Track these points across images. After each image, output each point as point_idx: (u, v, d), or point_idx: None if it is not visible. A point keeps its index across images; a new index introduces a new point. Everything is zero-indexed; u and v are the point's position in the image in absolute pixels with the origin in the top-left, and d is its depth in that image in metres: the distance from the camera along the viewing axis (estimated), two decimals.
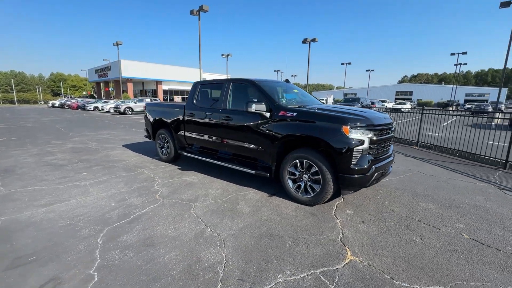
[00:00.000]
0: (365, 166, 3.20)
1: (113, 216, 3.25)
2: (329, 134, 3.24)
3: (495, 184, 4.58)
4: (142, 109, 24.21)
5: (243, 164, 4.35)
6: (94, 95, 62.28)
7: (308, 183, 3.56)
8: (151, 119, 6.18)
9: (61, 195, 3.93)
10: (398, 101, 38.89)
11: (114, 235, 2.80)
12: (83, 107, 31.20)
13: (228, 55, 36.88)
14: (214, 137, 4.74)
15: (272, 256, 2.43)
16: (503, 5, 17.03)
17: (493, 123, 11.88)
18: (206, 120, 4.82)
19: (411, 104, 36.38)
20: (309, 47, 27.89)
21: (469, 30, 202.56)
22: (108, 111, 27.41)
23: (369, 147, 3.27)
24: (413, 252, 2.53)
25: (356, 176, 3.18)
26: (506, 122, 12.32)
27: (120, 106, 22.93)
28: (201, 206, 3.56)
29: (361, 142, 3.17)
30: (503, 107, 33.76)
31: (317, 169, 3.39)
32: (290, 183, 3.74)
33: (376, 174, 3.33)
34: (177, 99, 48.03)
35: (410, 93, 62.47)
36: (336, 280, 2.11)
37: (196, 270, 2.23)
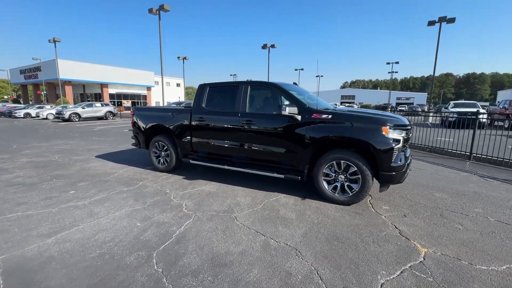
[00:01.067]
0: (402, 163, 3.43)
1: (151, 237, 2.80)
2: (370, 135, 3.39)
3: (474, 173, 5.41)
4: (92, 115, 21.57)
5: (267, 169, 4.23)
6: (19, 99, 52.91)
7: (346, 183, 3.64)
8: (143, 125, 5.54)
9: (62, 220, 3.22)
10: (347, 104, 42.89)
11: (170, 259, 2.41)
12: (8, 114, 26.11)
13: (184, 58, 35.51)
14: (231, 142, 4.49)
15: (356, 259, 2.41)
16: (430, 23, 20.38)
17: (428, 122, 14.05)
18: (221, 124, 4.55)
19: (357, 106, 40.56)
20: (269, 52, 28.74)
21: (398, 44, 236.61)
22: (46, 118, 23.59)
23: (403, 145, 3.52)
24: (465, 237, 2.80)
25: (395, 173, 3.39)
26: (438, 121, 14.88)
27: (64, 112, 19.94)
28: (243, 216, 3.33)
29: (398, 141, 3.40)
30: (425, 108, 40.23)
31: (356, 169, 3.50)
32: (325, 184, 3.77)
33: (408, 170, 3.60)
34: (127, 103, 44.14)
35: (353, 97, 69.68)
36: (429, 273, 2.21)
37: (296, 284, 2.07)
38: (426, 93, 71.60)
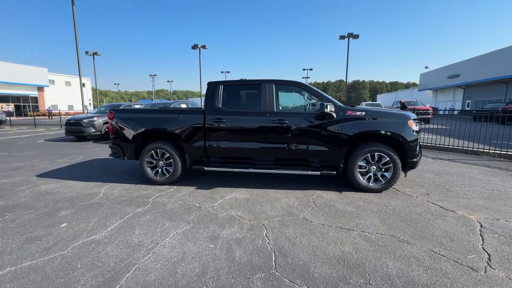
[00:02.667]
0: (420, 151, 4.11)
1: (247, 256, 2.40)
2: (401, 128, 3.90)
3: (426, 156, 6.90)
4: None
5: (300, 168, 4.23)
6: None
7: (378, 173, 4.06)
8: (132, 131, 4.54)
9: (101, 263, 2.35)
10: None
11: (299, 273, 2.15)
12: None
13: (95, 53, 30.16)
14: (257, 144, 4.25)
15: (442, 232, 2.77)
16: (341, 37, 24.39)
17: None
18: (246, 125, 4.24)
19: None
20: (200, 53, 27.87)
21: (314, 51, 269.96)
22: None
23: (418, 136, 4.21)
24: (480, 203, 3.62)
25: (417, 159, 4.02)
26: None
27: None
28: (312, 217, 3.25)
29: (418, 133, 4.05)
30: None
31: (388, 159, 3.96)
32: (359, 176, 4.09)
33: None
34: (8, 108, 34.10)
35: None
36: (499, 232, 2.78)
37: (431, 265, 2.22)
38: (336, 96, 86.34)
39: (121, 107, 11.38)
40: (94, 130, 10.24)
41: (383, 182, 4.05)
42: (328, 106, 3.86)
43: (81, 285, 2.04)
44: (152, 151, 4.53)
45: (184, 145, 4.42)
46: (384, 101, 55.92)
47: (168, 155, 4.49)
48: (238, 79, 4.63)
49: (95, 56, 30.46)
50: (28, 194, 4.18)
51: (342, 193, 4.08)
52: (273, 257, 2.39)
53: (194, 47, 27.23)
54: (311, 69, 46.94)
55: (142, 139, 4.64)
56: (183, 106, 11.49)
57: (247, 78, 4.53)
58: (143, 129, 4.49)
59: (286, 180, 4.76)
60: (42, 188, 4.51)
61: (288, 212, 3.39)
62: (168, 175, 4.55)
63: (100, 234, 2.85)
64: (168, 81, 61.65)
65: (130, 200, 3.89)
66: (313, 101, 4.30)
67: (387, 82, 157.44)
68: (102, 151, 8.27)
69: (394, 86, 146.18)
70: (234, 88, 4.50)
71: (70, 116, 12.08)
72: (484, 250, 2.46)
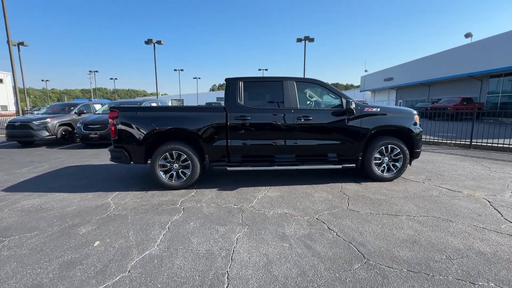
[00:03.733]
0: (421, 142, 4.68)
1: (351, 257, 2.42)
2: (409, 122, 4.39)
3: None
4: None
5: (321, 162, 4.38)
6: None
7: (391, 163, 4.48)
8: (143, 131, 4.05)
9: (183, 279, 2.08)
10: None
11: (431, 275, 2.28)
12: None
13: (21, 44, 25.34)
14: (282, 141, 4.24)
15: (470, 211, 3.24)
16: (298, 40, 25.70)
17: None
18: (271, 122, 4.19)
19: None
20: (154, 49, 25.97)
21: (271, 53, 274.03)
22: None
23: None
24: (471, 183, 4.32)
25: (420, 150, 4.58)
26: None
27: None
28: (359, 209, 3.42)
29: (420, 126, 4.60)
30: None
31: (399, 150, 4.41)
32: (375, 167, 4.45)
33: None
34: None
35: None
36: (502, 203, 3.38)
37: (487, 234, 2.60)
38: None
39: (121, 106, 9.96)
40: (47, 134, 8.67)
41: (395, 171, 4.49)
42: (352, 103, 4.10)
43: None
44: (167, 153, 4.12)
45: (204, 145, 4.14)
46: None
47: (185, 156, 4.14)
48: (252, 76, 4.53)
49: (20, 47, 25.61)
50: (13, 214, 3.36)
51: (362, 184, 4.39)
52: (354, 248, 2.46)
53: (148, 42, 25.20)
54: (266, 70, 48.30)
55: (154, 141, 4.18)
56: (154, 104, 10.66)
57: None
58: (156, 129, 4.04)
59: (302, 176, 4.87)
60: (25, 204, 3.68)
61: (330, 205, 3.50)
62: (185, 179, 4.20)
63: (154, 248, 2.50)
64: (111, 79, 55.63)
65: (154, 208, 3.48)
66: (347, 98, 4.45)
67: (330, 83, 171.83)
68: (69, 157, 7.09)
69: (336, 87, 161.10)
70: (254, 85, 4.40)
71: (13, 118, 9.98)
72: (506, 220, 2.98)
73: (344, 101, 4.25)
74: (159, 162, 4.13)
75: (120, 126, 4.07)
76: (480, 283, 1.94)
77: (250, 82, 4.35)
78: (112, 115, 4.08)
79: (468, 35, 26.78)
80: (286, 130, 4.22)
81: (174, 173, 4.21)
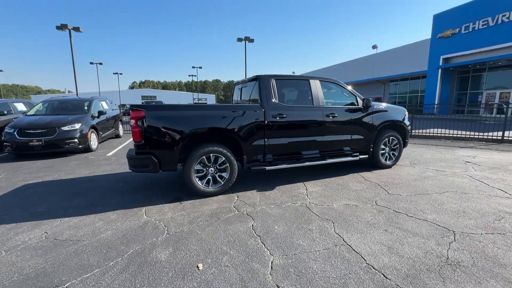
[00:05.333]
0: None
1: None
2: (403, 117, 5.24)
3: None
4: None
5: (342, 156, 4.77)
6: None
7: (391, 152, 5.26)
8: (178, 133, 3.51)
9: None
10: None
11: None
12: None
13: None
14: (313, 137, 4.41)
15: (479, 192, 4.19)
16: (239, 39, 25.97)
17: None
18: (306, 119, 4.29)
19: None
20: (70, 37, 21.59)
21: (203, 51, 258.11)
22: None
23: None
24: (463, 165, 5.53)
25: (408, 139, 5.54)
26: None
27: None
28: (401, 192, 3.92)
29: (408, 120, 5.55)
30: None
31: (397, 141, 5.23)
32: (381, 156, 5.14)
33: None
34: None
35: (154, 97, 68.90)
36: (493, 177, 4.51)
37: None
38: (214, 95, 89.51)
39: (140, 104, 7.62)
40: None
41: (394, 159, 5.30)
42: (371, 101, 4.63)
43: None
44: (204, 157, 3.69)
45: (244, 145, 3.90)
46: None
47: (223, 159, 3.81)
48: (281, 74, 4.53)
49: None
50: (25, 254, 2.42)
51: (373, 172, 5.00)
52: (437, 225, 2.88)
53: (62, 27, 20.61)
54: (200, 67, 46.74)
55: (188, 143, 3.67)
56: (104, 103, 9.11)
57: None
58: (192, 130, 3.56)
59: (317, 169, 5.15)
60: (27, 239, 2.70)
61: (373, 193, 3.88)
62: (222, 183, 3.86)
63: (276, 257, 2.29)
64: None
65: (215, 218, 3.11)
66: (360, 97, 4.88)
67: None
68: (11, 173, 5.32)
69: None
70: (284, 83, 4.39)
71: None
72: (495, 187, 4.01)
73: (359, 100, 4.76)
74: (194, 168, 3.67)
75: (147, 128, 3.40)
76: None
77: (281, 80, 4.33)
78: (136, 116, 3.37)
79: (374, 47, 32.92)
80: (317, 127, 4.41)
81: (211, 178, 3.82)
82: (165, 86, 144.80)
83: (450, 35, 21.01)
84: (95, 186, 4.42)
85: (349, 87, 4.94)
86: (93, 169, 5.55)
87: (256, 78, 4.26)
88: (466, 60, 20.45)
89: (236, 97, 5.42)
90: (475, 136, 8.72)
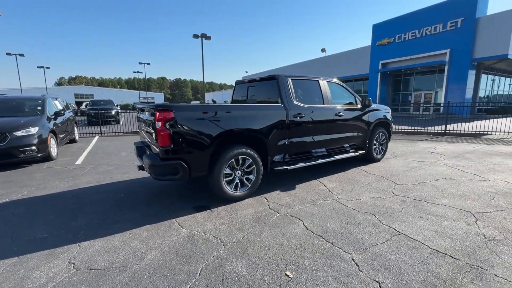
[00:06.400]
0: None
1: None
2: (389, 115, 5.86)
3: None
4: None
5: (345, 152, 5.09)
6: None
7: (379, 147, 5.82)
8: (209, 135, 3.25)
9: None
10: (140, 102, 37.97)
11: None
12: None
13: None
14: (325, 136, 4.58)
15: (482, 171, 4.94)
16: (195, 36, 24.96)
17: None
18: (321, 118, 4.44)
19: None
20: None
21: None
22: None
23: None
24: (454, 153, 6.39)
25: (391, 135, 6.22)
26: None
27: None
28: (403, 182, 4.36)
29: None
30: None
31: (384, 136, 5.82)
32: (374, 151, 5.65)
33: None
34: None
35: (91, 95, 60.94)
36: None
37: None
38: (163, 94, 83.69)
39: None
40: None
41: (382, 153, 5.89)
42: (371, 101, 5.04)
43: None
44: (233, 159, 3.49)
45: (270, 145, 3.83)
46: (218, 98, 63.11)
47: (251, 161, 3.67)
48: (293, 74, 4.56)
49: None
50: (81, 278, 1.93)
51: (369, 166, 5.47)
52: (461, 210, 3.34)
53: None
54: (148, 63, 43.20)
55: (218, 145, 3.41)
56: (57, 102, 7.83)
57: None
58: (223, 130, 3.33)
59: (319, 167, 5.38)
60: (50, 272, 2.15)
61: (386, 185, 4.24)
62: (249, 186, 3.72)
63: (356, 257, 2.34)
64: None
65: (263, 223, 3.00)
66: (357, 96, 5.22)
67: (205, 82, 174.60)
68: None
69: (211, 86, 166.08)
70: (299, 83, 4.43)
71: None
72: (470, 173, 4.83)
73: (357, 99, 5.14)
74: (224, 172, 3.45)
75: (177, 131, 3.04)
76: None
77: (296, 79, 4.37)
78: (164, 117, 2.97)
79: (323, 50, 35.60)
80: (328, 125, 4.61)
81: (238, 182, 3.64)
82: (101, 83, 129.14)
83: (387, 43, 24.16)
84: (91, 201, 3.75)
85: (349, 88, 5.28)
86: (71, 181, 4.67)
87: (273, 78, 4.21)
88: (399, 65, 23.82)
89: (238, 96, 5.25)
90: (423, 130, 10.29)
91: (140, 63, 42.62)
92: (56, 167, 5.71)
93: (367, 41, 26.48)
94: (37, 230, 2.90)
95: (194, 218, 3.13)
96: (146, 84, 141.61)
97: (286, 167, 4.07)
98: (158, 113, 2.99)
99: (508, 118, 10.82)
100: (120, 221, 3.09)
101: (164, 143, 3.04)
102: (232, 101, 5.45)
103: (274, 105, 4.00)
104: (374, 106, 5.56)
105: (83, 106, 28.13)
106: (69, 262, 2.30)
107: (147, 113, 3.57)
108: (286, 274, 2.10)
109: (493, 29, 17.87)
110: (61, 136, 7.17)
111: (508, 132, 9.13)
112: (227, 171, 3.50)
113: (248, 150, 3.61)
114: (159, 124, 3.00)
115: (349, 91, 5.23)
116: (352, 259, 2.28)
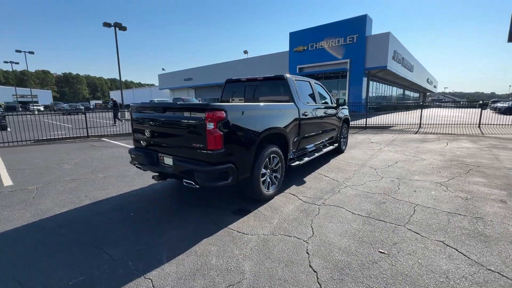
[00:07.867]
0: None
1: None
2: (347, 112, 6.94)
3: None
4: None
5: (326, 146, 5.77)
6: None
7: (343, 140, 6.83)
8: (256, 134, 3.17)
9: None
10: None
11: None
12: None
13: None
14: (318, 132, 5.07)
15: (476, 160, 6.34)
16: (106, 24, 21.29)
17: None
18: (316, 116, 4.86)
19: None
20: None
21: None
22: None
23: None
24: (432, 145, 7.82)
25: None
26: None
27: None
28: (380, 170, 5.32)
29: None
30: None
31: (347, 131, 6.87)
32: (342, 144, 6.59)
33: None
34: None
35: None
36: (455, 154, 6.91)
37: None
38: (51, 91, 67.04)
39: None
40: None
41: (345, 145, 6.94)
42: (345, 101, 5.86)
43: None
44: (267, 159, 3.48)
45: (290, 142, 3.98)
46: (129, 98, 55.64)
47: (278, 159, 3.74)
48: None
49: None
50: None
51: (341, 156, 6.35)
52: (459, 196, 4.41)
53: None
54: (32, 53, 33.52)
55: (260, 145, 3.32)
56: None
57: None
58: (263, 129, 3.30)
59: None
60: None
61: (380, 171, 5.11)
62: (277, 184, 3.79)
63: (432, 237, 2.84)
64: None
65: (311, 215, 3.17)
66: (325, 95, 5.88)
67: (106, 78, 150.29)
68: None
69: (115, 83, 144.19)
70: (299, 83, 4.70)
71: None
72: (415, 156, 6.36)
73: (332, 98, 5.91)
74: (261, 171, 3.40)
75: (230, 132, 2.81)
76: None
77: (297, 80, 4.64)
78: (216, 117, 2.68)
79: (245, 52, 36.91)
80: (320, 122, 5.11)
81: (269, 180, 3.65)
82: None
83: (302, 50, 27.51)
84: (94, 227, 2.94)
85: (325, 88, 5.98)
86: (29, 209, 3.44)
87: (281, 78, 4.36)
88: (312, 70, 27.56)
89: (229, 95, 5.09)
90: (351, 125, 12.48)
91: (18, 51, 32.61)
92: None
93: (285, 47, 29.19)
94: (64, 276, 2.12)
95: (246, 223, 2.99)
96: (19, 78, 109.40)
97: (298, 162, 4.31)
98: (208, 114, 2.69)
99: (391, 114, 14.42)
100: (165, 242, 2.61)
101: (216, 146, 2.75)
102: (221, 101, 5.23)
103: (291, 104, 4.18)
104: (342, 104, 6.48)
105: None
106: None
107: (175, 113, 3.08)
108: (380, 251, 2.39)
109: (376, 46, 23.17)
110: None
111: (403, 124, 12.26)
112: (263, 171, 3.46)
113: (277, 148, 3.66)
114: (211, 126, 2.70)
115: (326, 91, 5.92)
116: (409, 229, 2.79)
